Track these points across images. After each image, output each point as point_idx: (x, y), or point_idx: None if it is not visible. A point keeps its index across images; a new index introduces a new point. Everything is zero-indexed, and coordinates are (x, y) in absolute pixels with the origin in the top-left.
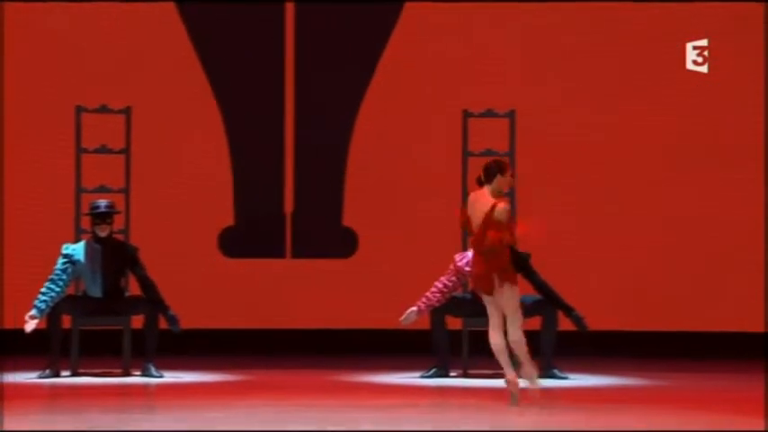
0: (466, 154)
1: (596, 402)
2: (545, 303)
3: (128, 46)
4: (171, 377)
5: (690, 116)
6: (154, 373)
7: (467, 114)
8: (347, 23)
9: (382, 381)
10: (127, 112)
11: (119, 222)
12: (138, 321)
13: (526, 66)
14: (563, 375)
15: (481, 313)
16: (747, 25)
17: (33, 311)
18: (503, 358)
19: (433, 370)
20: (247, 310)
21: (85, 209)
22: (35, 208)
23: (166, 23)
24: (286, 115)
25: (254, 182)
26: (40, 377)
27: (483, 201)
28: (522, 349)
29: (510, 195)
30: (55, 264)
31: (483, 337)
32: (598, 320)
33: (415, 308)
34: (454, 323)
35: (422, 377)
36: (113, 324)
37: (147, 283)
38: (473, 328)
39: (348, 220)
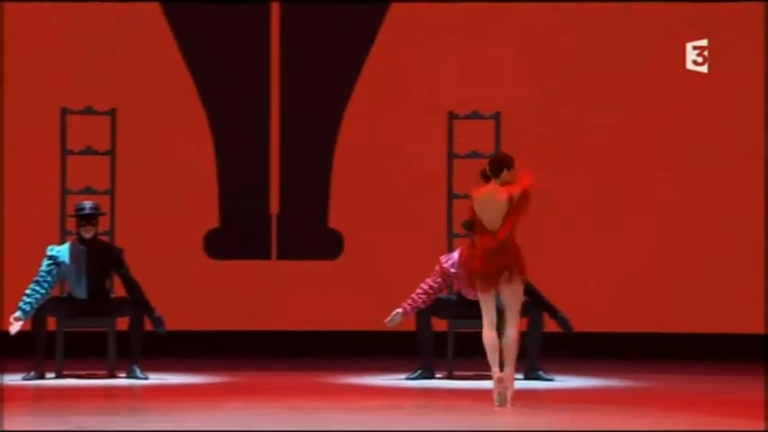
0: (451, 155)
1: (581, 402)
2: (531, 305)
3: (113, 47)
4: (156, 379)
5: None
6: (139, 374)
7: (452, 116)
8: (333, 23)
9: (368, 382)
10: (112, 113)
11: (104, 224)
12: (123, 323)
13: (515, 66)
14: (548, 377)
15: (467, 315)
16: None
17: (18, 313)
18: (494, 356)
19: (419, 371)
20: (233, 312)
21: (70, 210)
22: (20, 210)
23: (151, 24)
24: (272, 116)
25: (240, 183)
26: (25, 379)
27: (499, 195)
28: (515, 350)
29: None
30: (40, 265)
31: (468, 338)
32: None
33: (400, 309)
34: (440, 325)
35: (407, 379)
36: (98, 326)
37: (132, 285)
38: (458, 330)
39: (334, 221)
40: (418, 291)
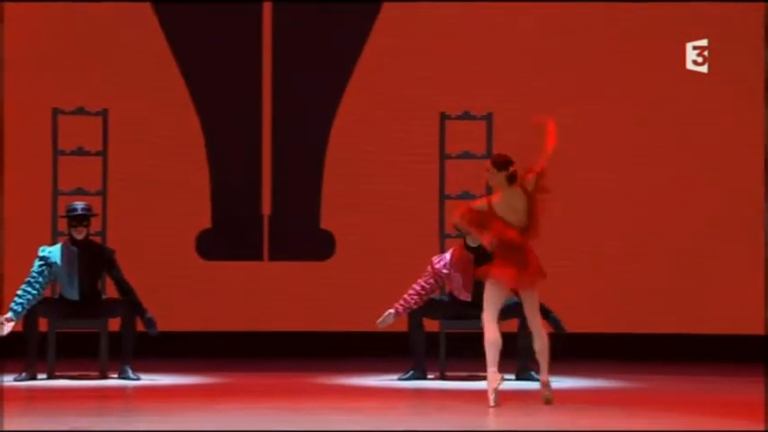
0: (443, 156)
1: (574, 403)
2: (522, 306)
3: (104, 47)
4: (148, 380)
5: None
6: (131, 375)
7: (444, 117)
8: (325, 24)
9: (360, 383)
10: (104, 114)
11: (95, 225)
12: (114, 324)
13: (507, 67)
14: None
15: (459, 316)
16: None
17: (9, 314)
18: (495, 354)
19: (411, 372)
20: (225, 313)
21: (62, 211)
22: (11, 210)
23: (143, 25)
24: (263, 117)
25: (232, 184)
26: (17, 380)
27: (515, 189)
28: (548, 355)
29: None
30: (31, 266)
31: (460, 339)
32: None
33: (392, 310)
34: (431, 325)
35: (399, 379)
36: (90, 327)
37: (123, 286)
38: (450, 331)
39: (326, 222)
40: (410, 291)
